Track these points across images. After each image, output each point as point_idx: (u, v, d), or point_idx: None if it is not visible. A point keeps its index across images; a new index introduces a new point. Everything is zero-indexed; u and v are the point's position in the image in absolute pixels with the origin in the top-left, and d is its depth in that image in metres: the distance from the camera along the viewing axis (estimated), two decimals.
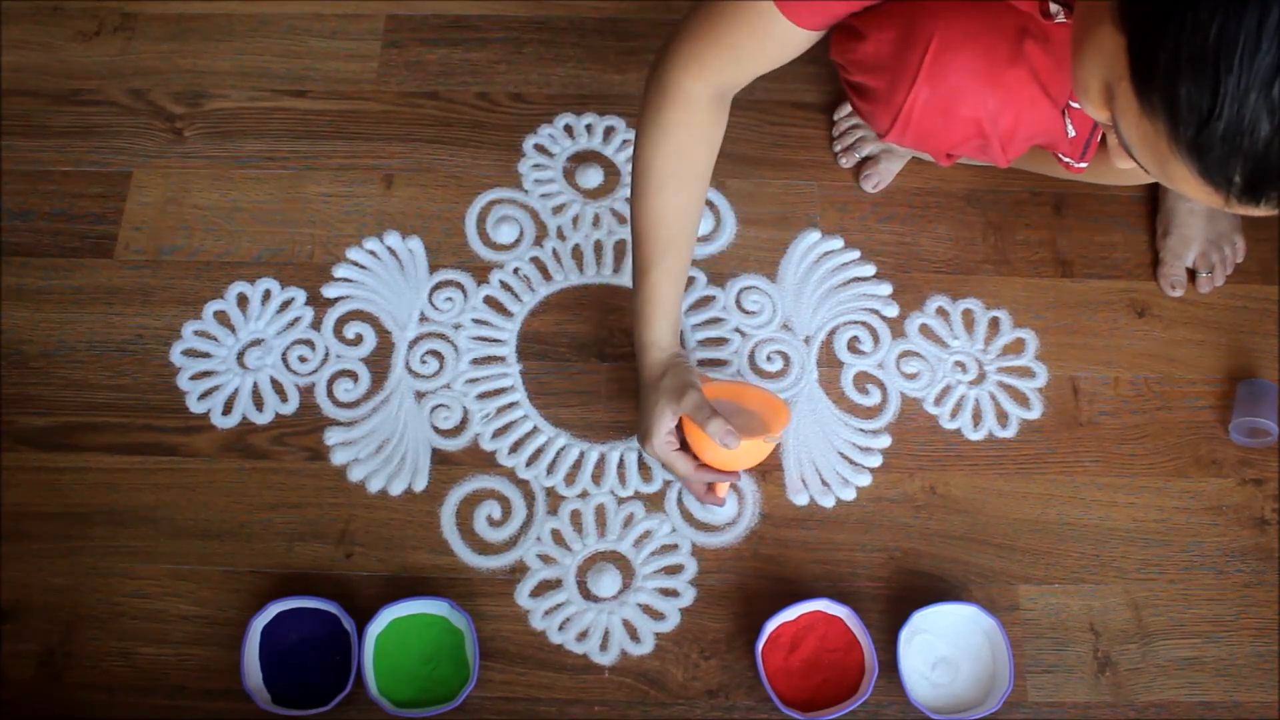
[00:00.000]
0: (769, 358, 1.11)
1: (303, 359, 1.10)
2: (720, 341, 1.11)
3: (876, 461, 1.06)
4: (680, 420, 0.95)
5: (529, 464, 1.06)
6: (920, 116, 0.94)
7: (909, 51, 0.91)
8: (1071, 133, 0.98)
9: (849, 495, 1.05)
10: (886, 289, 1.14)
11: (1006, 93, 0.91)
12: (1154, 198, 1.18)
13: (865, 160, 1.18)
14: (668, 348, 0.97)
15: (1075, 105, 0.95)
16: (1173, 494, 1.06)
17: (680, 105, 0.89)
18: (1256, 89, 0.51)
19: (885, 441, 1.07)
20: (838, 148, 1.19)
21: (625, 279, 1.14)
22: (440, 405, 1.08)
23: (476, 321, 1.12)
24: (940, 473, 1.06)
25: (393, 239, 1.15)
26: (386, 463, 1.05)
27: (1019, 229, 1.17)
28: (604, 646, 0.99)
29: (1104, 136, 0.99)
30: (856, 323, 1.12)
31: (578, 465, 1.06)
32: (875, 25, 0.93)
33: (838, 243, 1.16)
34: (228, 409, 1.08)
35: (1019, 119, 0.94)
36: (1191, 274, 1.14)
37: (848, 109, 1.20)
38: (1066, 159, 1.02)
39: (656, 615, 1.00)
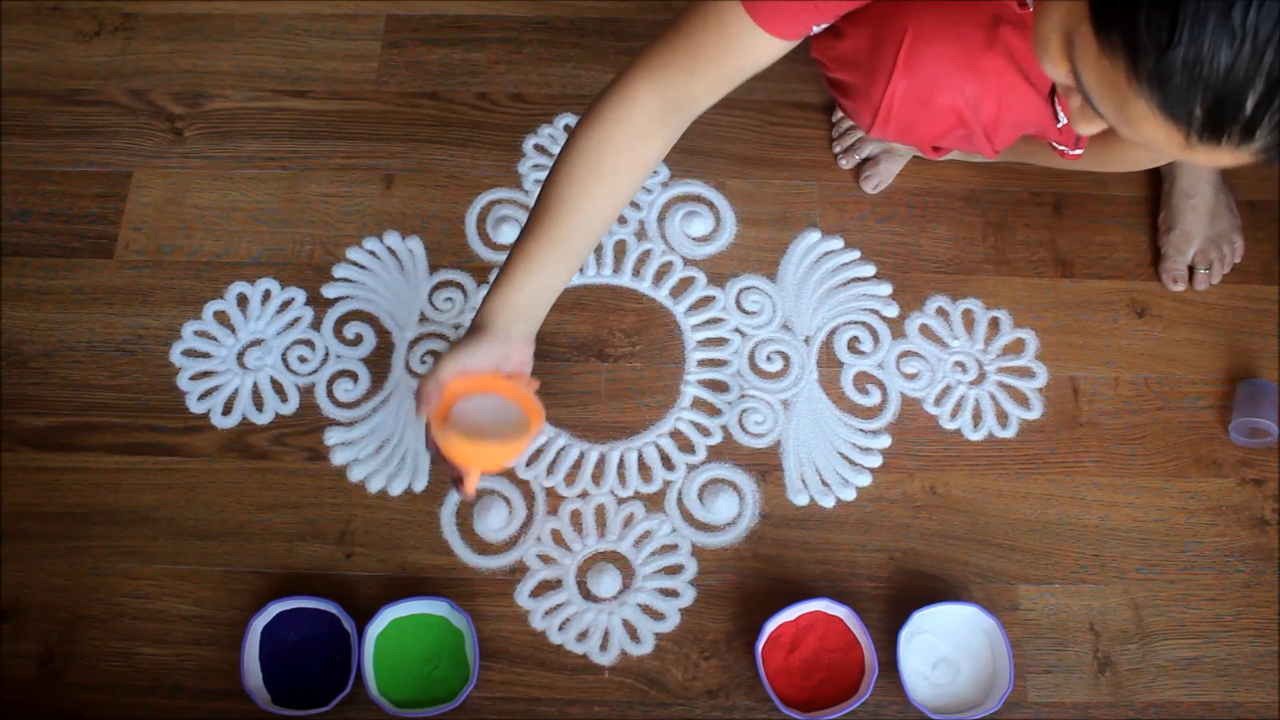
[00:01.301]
0: (769, 358, 1.11)
1: (303, 359, 1.10)
2: (720, 341, 1.11)
3: (876, 461, 1.06)
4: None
5: (529, 464, 1.06)
6: (900, 109, 0.94)
7: (884, 46, 0.91)
8: (1063, 120, 0.98)
9: (849, 495, 1.05)
10: (886, 289, 1.14)
11: (985, 80, 0.91)
12: (1155, 197, 1.18)
13: (865, 161, 1.19)
14: (490, 321, 0.88)
15: None
16: (1173, 494, 1.06)
17: (621, 104, 0.85)
18: (1215, 13, 0.51)
19: (885, 441, 1.07)
20: (837, 149, 1.20)
21: (625, 279, 1.14)
22: None
23: None
24: (940, 473, 1.06)
25: (393, 239, 1.15)
26: (386, 463, 1.05)
27: (1019, 229, 1.17)
28: (604, 646, 0.99)
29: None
30: (856, 323, 1.12)
31: (578, 465, 1.06)
32: (852, 22, 0.93)
33: (838, 243, 1.16)
34: (228, 409, 1.08)
35: (1001, 105, 0.94)
36: (1190, 271, 1.14)
37: None
38: (1061, 147, 1.02)
39: (656, 615, 1.00)
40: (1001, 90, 0.92)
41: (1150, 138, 0.59)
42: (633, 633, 1.00)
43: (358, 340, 1.11)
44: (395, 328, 1.11)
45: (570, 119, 1.22)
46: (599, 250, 1.15)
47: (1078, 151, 1.02)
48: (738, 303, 1.13)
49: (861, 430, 1.08)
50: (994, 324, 1.13)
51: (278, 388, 1.09)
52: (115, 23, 1.28)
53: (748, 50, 0.82)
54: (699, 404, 1.09)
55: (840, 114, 1.21)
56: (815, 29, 0.81)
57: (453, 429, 0.84)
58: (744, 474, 1.06)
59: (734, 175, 1.19)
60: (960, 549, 1.03)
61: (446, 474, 0.99)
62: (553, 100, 1.23)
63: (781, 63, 1.24)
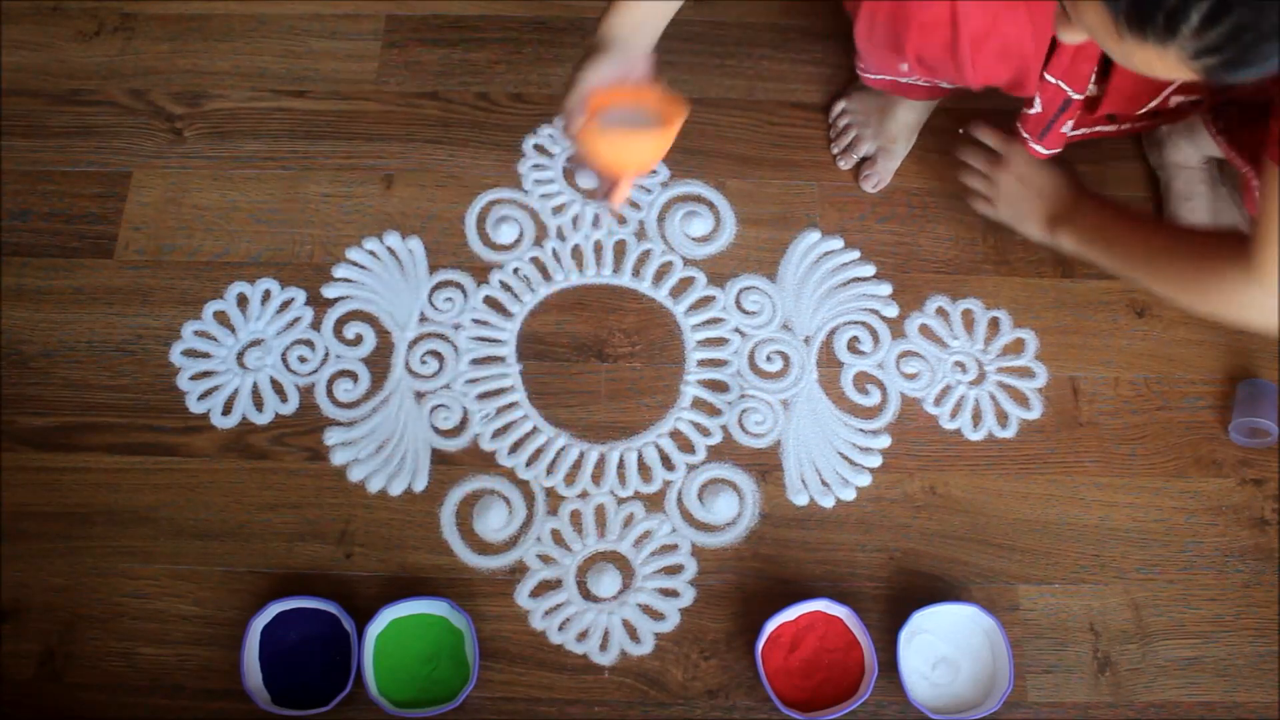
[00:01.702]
0: (769, 358, 1.11)
1: (303, 359, 1.10)
2: (720, 341, 1.11)
3: (876, 461, 1.06)
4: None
5: (529, 464, 1.06)
6: None
7: None
8: (1037, 108, 0.98)
9: (849, 495, 1.05)
10: (886, 289, 1.14)
11: None
12: (1156, 198, 1.18)
13: (863, 161, 1.19)
14: (610, 38, 0.90)
15: (1050, 79, 0.95)
16: (1173, 494, 1.06)
17: None
18: None
19: (885, 441, 1.07)
20: (835, 149, 1.20)
21: (625, 279, 1.14)
22: (440, 405, 1.08)
23: (476, 322, 1.12)
24: (940, 473, 1.06)
25: (393, 239, 1.15)
26: (386, 463, 1.06)
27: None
28: (604, 646, 0.99)
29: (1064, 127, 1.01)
30: (856, 323, 1.12)
31: (578, 465, 1.06)
32: None
33: (838, 243, 1.16)
34: (228, 409, 1.08)
35: (994, 22, 0.92)
36: None
37: (840, 106, 1.20)
38: (1025, 135, 1.03)
39: (656, 615, 1.00)
40: (999, 5, 0.92)
41: (1090, 22, 0.63)
42: (633, 633, 1.00)
43: (358, 340, 1.11)
44: (395, 328, 1.11)
45: None
46: (599, 250, 1.15)
47: (1039, 148, 1.02)
48: (738, 303, 1.13)
49: (861, 430, 1.08)
50: (994, 324, 1.13)
51: (278, 388, 1.09)
52: (115, 23, 1.28)
53: None
54: (699, 404, 1.09)
55: (835, 110, 1.20)
56: None
57: (603, 128, 0.87)
58: (744, 474, 1.06)
59: (734, 175, 1.19)
60: (960, 549, 1.03)
61: (597, 192, 1.00)
62: (553, 100, 1.23)
63: (782, 63, 1.25)
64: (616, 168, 0.91)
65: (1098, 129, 1.04)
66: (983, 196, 1.08)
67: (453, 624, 0.98)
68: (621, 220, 1.08)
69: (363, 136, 1.21)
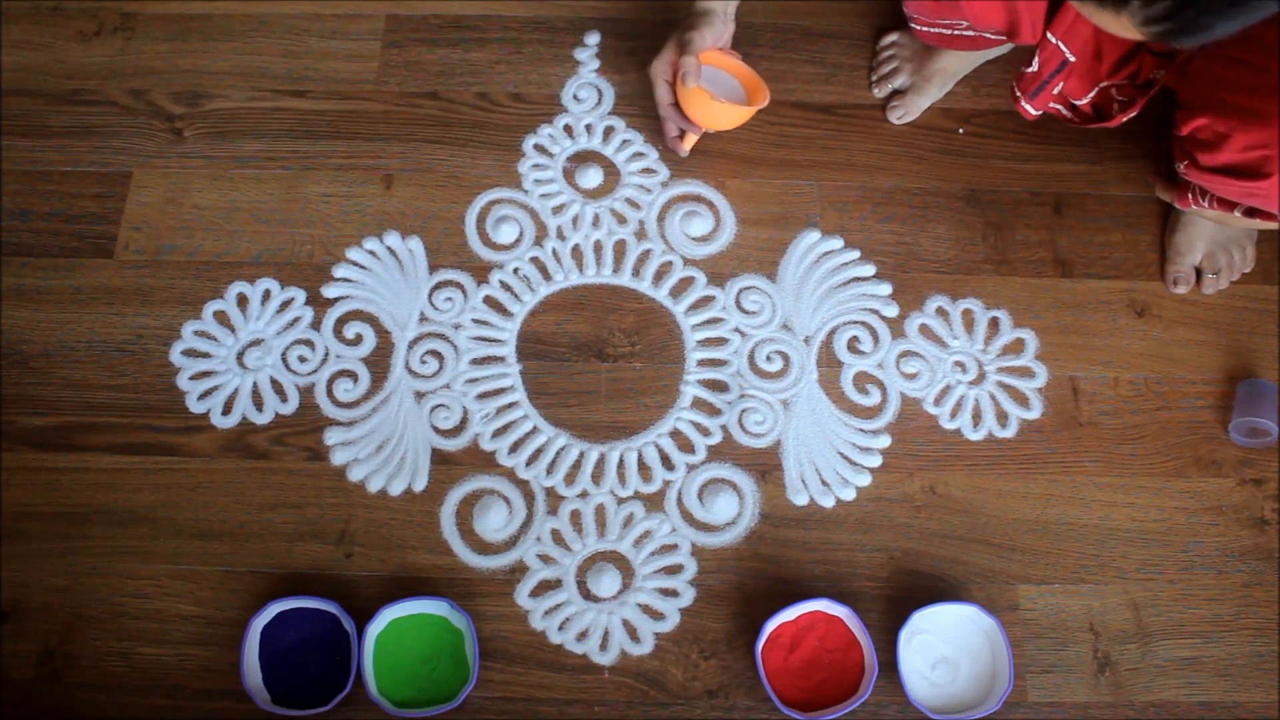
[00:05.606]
0: (769, 358, 1.11)
1: (303, 359, 1.10)
2: (720, 341, 1.11)
3: (876, 461, 1.06)
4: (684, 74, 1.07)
5: (529, 464, 1.06)
6: None
7: None
8: (1034, 66, 1.00)
9: (849, 495, 1.05)
10: (886, 289, 1.14)
11: None
12: (1157, 198, 1.18)
13: (895, 93, 1.22)
14: (708, 8, 1.08)
15: (1051, 39, 0.97)
16: (1173, 494, 1.06)
17: None
18: None
19: (885, 441, 1.07)
20: (874, 76, 1.23)
21: (625, 279, 1.14)
22: (440, 405, 1.08)
23: (476, 321, 1.12)
24: (940, 473, 1.06)
25: (393, 239, 1.15)
26: (386, 463, 1.06)
27: (1019, 229, 1.17)
28: (604, 646, 0.99)
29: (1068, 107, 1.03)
30: (856, 323, 1.12)
31: (578, 465, 1.06)
32: None
33: (838, 243, 1.16)
34: (227, 409, 1.08)
35: None
36: (1199, 273, 1.14)
37: (891, 38, 1.24)
38: (1019, 93, 1.04)
39: (656, 615, 1.00)
40: None
41: None
42: (633, 633, 1.00)
43: (358, 340, 1.11)
44: (395, 328, 1.11)
45: (570, 119, 1.22)
46: (599, 250, 1.15)
47: (1029, 107, 1.04)
48: (737, 303, 1.13)
49: (861, 430, 1.08)
50: (994, 324, 1.13)
51: (277, 388, 1.09)
52: (115, 23, 1.28)
53: None
54: (699, 404, 1.09)
55: (884, 41, 1.23)
56: None
57: (702, 89, 1.05)
58: (744, 474, 1.06)
59: (734, 175, 1.19)
60: (960, 549, 1.03)
61: (663, 127, 1.15)
62: (552, 100, 1.23)
63: (782, 63, 1.25)
64: (701, 123, 1.10)
65: (1100, 90, 1.04)
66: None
67: (453, 624, 0.98)
68: (682, 156, 1.18)
69: (363, 136, 1.21)
